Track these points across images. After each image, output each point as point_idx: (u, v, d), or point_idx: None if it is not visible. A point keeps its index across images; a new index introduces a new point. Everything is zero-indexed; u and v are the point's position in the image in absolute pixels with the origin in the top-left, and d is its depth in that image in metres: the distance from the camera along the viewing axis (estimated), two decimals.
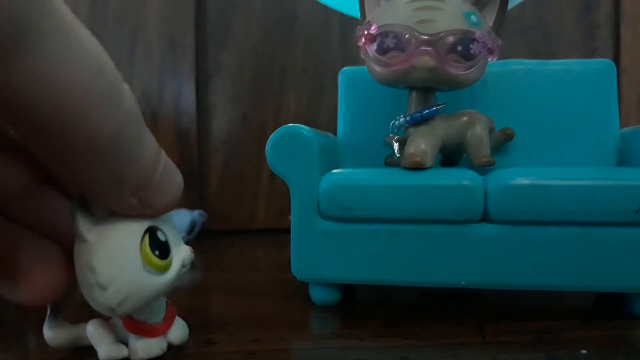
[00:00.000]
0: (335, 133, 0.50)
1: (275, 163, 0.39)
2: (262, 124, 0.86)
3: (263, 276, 0.54)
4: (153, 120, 0.84)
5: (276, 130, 0.39)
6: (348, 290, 0.42)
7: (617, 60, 0.85)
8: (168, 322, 0.28)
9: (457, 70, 0.37)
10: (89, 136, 0.16)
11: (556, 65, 0.47)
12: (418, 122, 0.40)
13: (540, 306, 0.39)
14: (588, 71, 0.46)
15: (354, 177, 0.37)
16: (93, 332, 0.28)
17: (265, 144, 0.39)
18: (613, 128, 0.46)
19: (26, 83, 0.14)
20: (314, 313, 0.38)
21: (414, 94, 0.41)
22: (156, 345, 0.27)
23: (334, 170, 0.38)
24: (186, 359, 0.29)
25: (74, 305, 0.35)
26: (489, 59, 0.39)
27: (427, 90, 0.40)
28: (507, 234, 0.35)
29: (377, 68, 0.39)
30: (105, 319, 0.28)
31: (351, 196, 0.37)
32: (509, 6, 0.40)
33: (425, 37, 0.37)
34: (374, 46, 0.38)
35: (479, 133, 0.39)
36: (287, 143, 0.38)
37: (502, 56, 0.40)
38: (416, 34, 0.37)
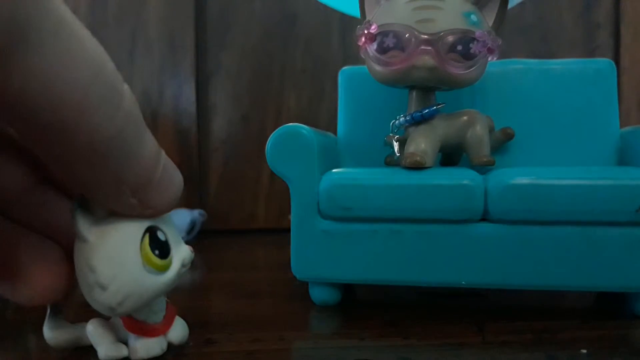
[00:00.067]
0: (335, 133, 0.50)
1: (275, 163, 0.39)
2: (262, 123, 0.86)
3: (263, 276, 0.54)
4: (153, 120, 0.85)
5: (276, 130, 0.39)
6: (348, 290, 0.42)
7: (617, 60, 0.85)
8: (168, 322, 0.28)
9: (457, 69, 0.37)
10: (89, 136, 0.16)
11: (556, 64, 0.47)
12: (418, 121, 0.40)
13: (540, 306, 0.39)
14: (588, 71, 0.46)
15: (353, 177, 0.37)
16: (93, 331, 0.28)
17: (265, 144, 0.39)
18: (613, 128, 0.46)
19: (26, 83, 0.14)
20: (314, 313, 0.38)
21: (414, 93, 0.41)
22: (156, 344, 0.28)
23: (333, 170, 0.38)
24: (186, 359, 0.29)
25: (74, 305, 0.35)
26: (489, 59, 0.39)
27: (427, 89, 0.40)
28: (507, 233, 0.35)
29: (377, 67, 0.39)
30: (105, 319, 0.28)
31: (351, 196, 0.37)
32: (509, 6, 0.40)
33: (425, 36, 0.37)
34: (374, 45, 0.38)
35: (479, 132, 0.39)
36: (287, 143, 0.38)
37: (502, 56, 0.40)
38: (416, 33, 0.37)
